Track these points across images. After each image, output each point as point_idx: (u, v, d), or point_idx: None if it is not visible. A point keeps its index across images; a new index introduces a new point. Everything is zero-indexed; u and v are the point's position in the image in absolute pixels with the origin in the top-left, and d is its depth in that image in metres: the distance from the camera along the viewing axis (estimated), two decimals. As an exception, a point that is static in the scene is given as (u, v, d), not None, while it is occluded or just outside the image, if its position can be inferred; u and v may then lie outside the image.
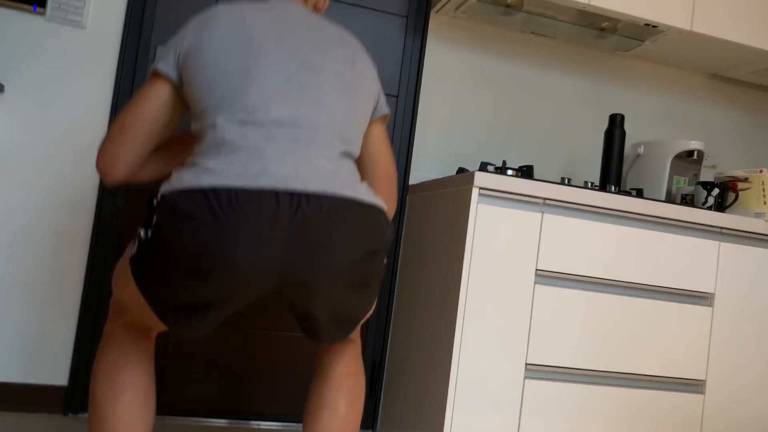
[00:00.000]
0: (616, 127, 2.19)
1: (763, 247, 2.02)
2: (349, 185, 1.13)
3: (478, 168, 2.38)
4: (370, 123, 1.36)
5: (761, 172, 2.02)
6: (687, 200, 2.20)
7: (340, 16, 2.27)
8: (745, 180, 2.06)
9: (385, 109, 1.38)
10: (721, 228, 1.98)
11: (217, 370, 2.14)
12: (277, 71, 1.14)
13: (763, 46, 2.29)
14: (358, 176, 1.20)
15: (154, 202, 1.11)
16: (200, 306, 1.09)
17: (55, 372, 2.01)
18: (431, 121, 2.37)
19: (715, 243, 1.96)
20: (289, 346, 2.21)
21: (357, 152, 1.25)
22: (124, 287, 1.21)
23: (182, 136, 1.36)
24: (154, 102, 1.20)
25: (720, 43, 2.30)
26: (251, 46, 1.15)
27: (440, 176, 2.27)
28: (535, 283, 1.83)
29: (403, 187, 2.33)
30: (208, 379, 2.13)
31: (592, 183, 2.07)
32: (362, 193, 1.15)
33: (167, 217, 1.05)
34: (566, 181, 2.02)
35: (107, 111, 2.06)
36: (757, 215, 2.06)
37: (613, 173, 2.15)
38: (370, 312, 1.34)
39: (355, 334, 1.43)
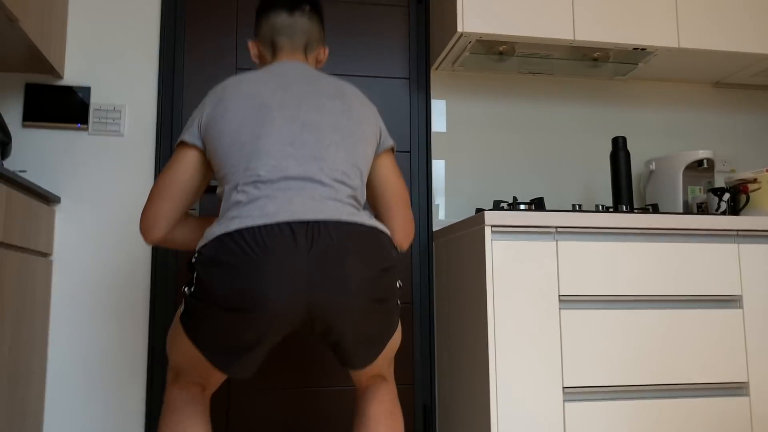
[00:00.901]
0: (619, 149, 2.28)
1: (784, 243, 2.06)
2: (352, 214, 1.30)
3: (491, 207, 2.49)
4: (377, 156, 1.51)
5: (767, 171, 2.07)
6: (702, 208, 2.25)
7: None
8: (755, 181, 2.11)
9: (388, 142, 1.53)
10: (738, 231, 2.03)
11: (276, 429, 2.27)
12: (283, 135, 1.33)
13: (752, 49, 2.37)
14: (362, 212, 1.36)
15: (193, 260, 1.30)
16: (244, 345, 1.25)
17: (131, 450, 2.18)
18: (447, 168, 2.52)
19: (734, 246, 2.01)
20: (341, 398, 2.33)
21: (362, 197, 1.41)
22: (178, 346, 1.36)
23: (209, 217, 1.55)
24: (185, 166, 1.40)
25: (711, 53, 2.39)
26: (259, 114, 1.34)
27: (462, 218, 2.39)
28: (560, 308, 1.91)
29: (428, 235, 2.46)
30: (275, 419, 2.27)
31: (603, 206, 2.16)
32: (365, 219, 1.32)
33: (204, 266, 1.23)
34: (577, 208, 2.11)
35: (150, 205, 2.28)
36: (774, 213, 2.10)
37: (623, 193, 2.23)
38: (395, 338, 1.45)
39: (388, 373, 1.53)
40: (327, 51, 1.64)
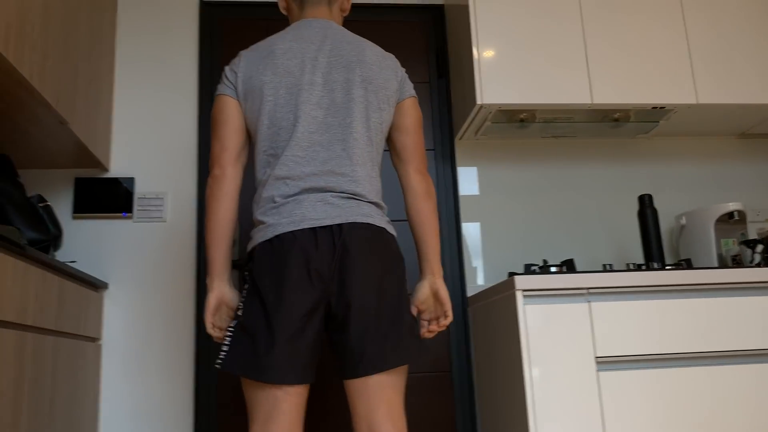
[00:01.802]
0: (646, 206, 2.30)
1: (824, 292, 2.02)
2: (366, 215, 1.46)
3: (522, 270, 2.51)
4: (398, 104, 1.61)
5: (798, 220, 2.06)
6: (737, 260, 2.24)
7: (376, 162, 2.56)
8: (787, 230, 2.10)
9: (409, 92, 1.63)
10: (774, 282, 2.01)
11: None
12: (310, 122, 1.48)
13: (772, 101, 2.39)
14: (376, 210, 1.49)
15: (245, 272, 1.49)
16: (284, 324, 1.36)
17: None
18: (483, 230, 2.56)
19: (772, 298, 1.99)
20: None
21: (377, 170, 1.56)
22: (245, 381, 1.42)
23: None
24: (227, 111, 1.54)
25: (730, 107, 2.42)
26: (291, 97, 1.50)
27: (499, 281, 2.42)
28: (597, 371, 1.90)
29: (462, 301, 2.49)
30: None
31: (635, 264, 2.16)
32: (375, 220, 1.47)
33: (255, 263, 1.44)
34: (608, 267, 2.13)
35: (193, 286, 2.38)
36: (811, 262, 2.08)
37: (654, 250, 2.23)
38: (405, 369, 1.46)
39: (400, 419, 1.44)
40: (350, 0, 1.74)
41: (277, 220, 1.44)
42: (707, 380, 1.92)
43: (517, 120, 2.45)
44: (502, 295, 2.05)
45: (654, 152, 2.74)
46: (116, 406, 2.26)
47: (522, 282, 1.92)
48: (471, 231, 2.57)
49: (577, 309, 1.93)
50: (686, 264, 2.20)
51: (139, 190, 2.43)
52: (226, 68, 1.58)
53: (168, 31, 2.59)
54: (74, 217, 2.38)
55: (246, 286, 1.46)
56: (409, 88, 1.64)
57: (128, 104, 2.51)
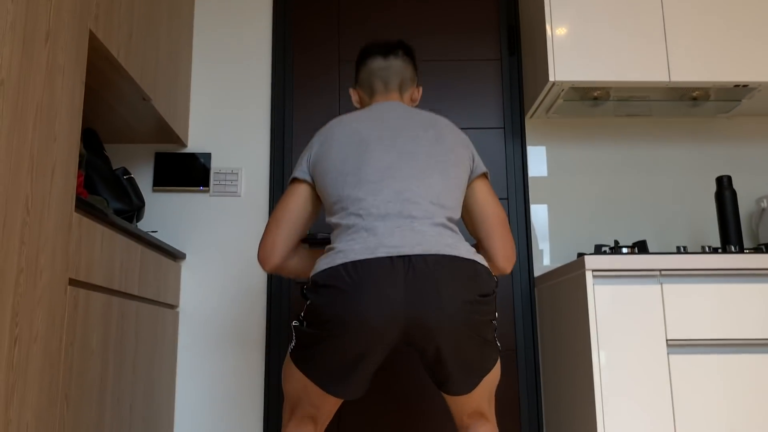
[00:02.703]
0: (724, 188, 2.22)
1: None
2: (450, 245, 1.37)
3: (592, 251, 2.47)
4: (471, 182, 1.59)
5: None
6: (822, 246, 2.14)
7: (445, 140, 2.57)
8: None
9: (481, 168, 1.60)
10: None
11: (386, 477, 2.33)
12: (381, 162, 1.46)
13: None
14: (459, 237, 1.44)
15: (305, 287, 1.43)
16: (349, 362, 1.34)
17: (250, 492, 2.30)
18: (550, 213, 2.54)
19: None
20: (445, 417, 2.36)
21: (457, 216, 1.49)
22: (291, 378, 1.46)
23: (318, 250, 1.68)
24: (297, 199, 1.56)
25: (821, 85, 2.30)
26: (359, 147, 1.49)
27: (565, 263, 2.40)
28: (668, 353, 1.87)
29: (529, 281, 2.48)
30: (380, 486, 2.32)
31: (710, 247, 2.10)
32: (462, 251, 1.38)
33: (316, 292, 1.37)
34: (681, 250, 2.07)
35: (264, 259, 2.46)
36: None
37: (731, 233, 2.16)
38: (495, 373, 1.48)
39: (489, 411, 1.54)
40: (420, 90, 1.77)
41: (350, 247, 1.38)
42: (785, 368, 1.86)
43: (591, 98, 2.41)
44: (571, 275, 2.04)
45: (734, 132, 2.63)
46: (192, 370, 2.37)
47: (592, 262, 1.90)
48: (538, 213, 2.55)
49: (648, 291, 1.90)
50: (765, 248, 2.12)
51: (215, 165, 2.52)
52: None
53: (243, 7, 2.65)
54: (154, 190, 2.49)
55: (308, 304, 1.42)
56: (480, 165, 1.61)
57: (204, 81, 2.59)
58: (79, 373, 1.53)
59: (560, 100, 2.41)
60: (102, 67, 1.87)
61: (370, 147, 1.48)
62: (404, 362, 2.42)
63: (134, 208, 2.12)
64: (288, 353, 1.49)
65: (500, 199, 2.55)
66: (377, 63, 1.69)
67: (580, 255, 1.97)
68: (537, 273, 2.50)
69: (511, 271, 2.49)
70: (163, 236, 2.46)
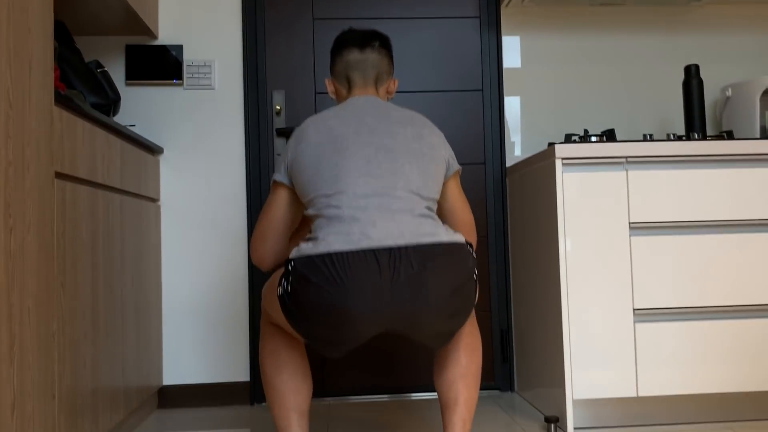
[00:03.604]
0: (692, 77, 2.28)
1: None
2: (431, 233, 1.42)
3: (563, 141, 2.55)
4: (446, 181, 1.63)
5: None
6: (779, 133, 2.24)
7: (418, 31, 2.55)
8: (835, 102, 2.08)
9: (455, 167, 1.64)
10: (815, 153, 2.02)
11: (371, 354, 2.49)
12: (359, 157, 1.47)
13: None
14: (438, 223, 1.48)
15: (289, 266, 1.44)
16: (334, 342, 1.44)
17: (239, 371, 2.46)
18: (522, 104, 2.59)
19: (811, 169, 2.01)
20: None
21: (435, 206, 1.54)
22: (273, 308, 1.54)
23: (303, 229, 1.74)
24: (280, 205, 1.59)
25: (792, -28, 2.32)
26: (336, 145, 1.49)
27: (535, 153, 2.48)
28: (630, 235, 1.99)
29: (501, 171, 2.56)
30: (365, 363, 2.49)
31: (675, 134, 2.19)
32: (443, 236, 1.43)
33: (298, 280, 1.38)
34: (648, 137, 2.16)
35: (242, 151, 2.49)
36: None
37: (696, 121, 2.24)
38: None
39: (471, 320, 1.67)
40: (396, 82, 1.76)
41: (332, 237, 1.38)
42: (740, 247, 2.00)
43: (566, -14, 2.39)
44: (541, 163, 2.12)
45: (704, 22, 2.66)
46: (176, 261, 2.46)
47: (562, 150, 1.98)
48: (511, 105, 2.59)
49: (614, 177, 1.99)
50: (727, 135, 2.21)
51: (188, 57, 2.49)
52: None
53: None
54: (127, 84, 2.46)
55: (288, 284, 1.43)
56: (454, 164, 1.63)
57: (172, -31, 2.51)
58: (72, 263, 1.59)
59: (536, -12, 2.39)
60: (67, -46, 1.80)
61: (346, 143, 1.49)
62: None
63: (110, 101, 2.11)
64: (277, 295, 1.50)
65: (474, 91, 2.57)
66: (353, 56, 1.67)
67: (551, 144, 2.04)
68: (509, 163, 2.58)
69: (484, 160, 2.57)
70: (139, 130, 2.46)
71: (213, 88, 2.49)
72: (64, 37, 2.05)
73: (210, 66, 2.48)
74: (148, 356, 2.23)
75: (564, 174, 1.99)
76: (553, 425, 1.99)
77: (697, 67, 2.31)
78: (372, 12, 2.56)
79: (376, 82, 1.69)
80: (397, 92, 2.55)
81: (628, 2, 2.58)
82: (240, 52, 2.51)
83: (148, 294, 2.26)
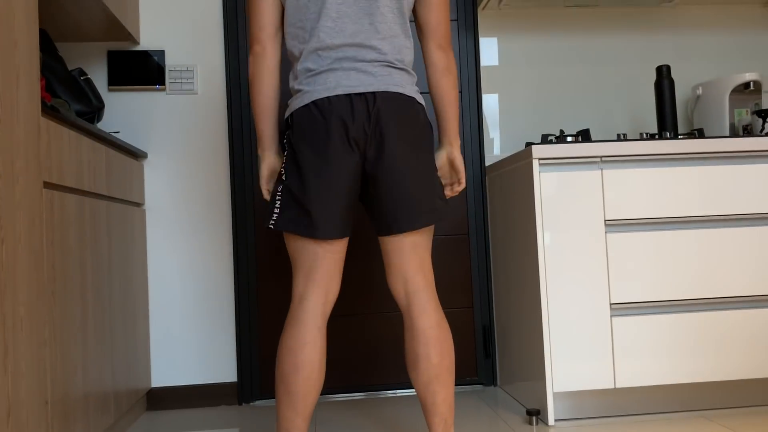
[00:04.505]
0: (663, 77, 2.35)
1: (828, 160, 2.12)
2: (398, 85, 1.55)
3: (539, 140, 2.62)
4: None
5: (811, 90, 2.11)
6: (748, 131, 2.32)
7: (399, 33, 2.60)
8: (799, 101, 2.16)
9: None
10: (781, 150, 2.10)
11: (350, 352, 2.54)
12: (337, 7, 1.54)
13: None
14: (408, 76, 1.59)
15: (288, 121, 1.60)
16: (321, 190, 1.49)
17: (226, 372, 2.49)
18: (501, 102, 2.64)
19: (777, 165, 2.09)
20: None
21: (409, 57, 1.61)
22: (288, 243, 1.59)
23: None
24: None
25: (758, -26, 2.39)
26: None
27: (515, 151, 2.53)
28: (606, 232, 2.06)
29: (481, 170, 2.62)
30: (344, 361, 2.54)
31: (648, 133, 2.25)
32: (407, 90, 1.57)
33: (294, 128, 1.55)
34: (621, 137, 2.22)
35: (226, 154, 2.52)
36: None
37: (667, 120, 2.31)
38: (432, 229, 1.63)
39: (429, 273, 1.63)
40: None
41: (313, 88, 1.53)
42: (712, 241, 2.07)
43: (541, -11, 2.45)
44: (519, 163, 2.17)
45: (677, 21, 2.73)
46: (162, 264, 2.48)
47: (539, 151, 2.03)
48: (489, 102, 2.65)
49: (590, 176, 2.06)
50: (698, 133, 2.28)
51: (170, 62, 2.51)
52: None
53: None
54: (110, 90, 2.48)
55: (286, 152, 1.58)
56: None
57: (152, -25, 2.53)
58: (61, 271, 1.62)
59: (511, -9, 2.44)
60: (49, -35, 1.82)
61: None
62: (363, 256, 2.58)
63: (94, 109, 2.13)
64: (271, 227, 1.58)
65: (453, 91, 2.62)
66: None
67: (528, 144, 2.10)
68: (488, 162, 2.64)
69: (464, 159, 2.62)
70: (123, 136, 2.48)
71: (196, 93, 2.52)
72: (47, 45, 2.07)
73: (192, 71, 2.50)
74: (136, 359, 2.26)
75: (541, 174, 2.05)
76: (534, 418, 2.05)
77: (668, 67, 2.38)
78: (352, 15, 2.59)
79: None
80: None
81: (602, 3, 2.64)
82: (222, 57, 2.53)
83: (136, 297, 2.29)
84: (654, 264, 2.06)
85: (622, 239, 2.06)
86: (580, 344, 2.03)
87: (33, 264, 1.44)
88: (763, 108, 2.31)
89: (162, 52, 2.49)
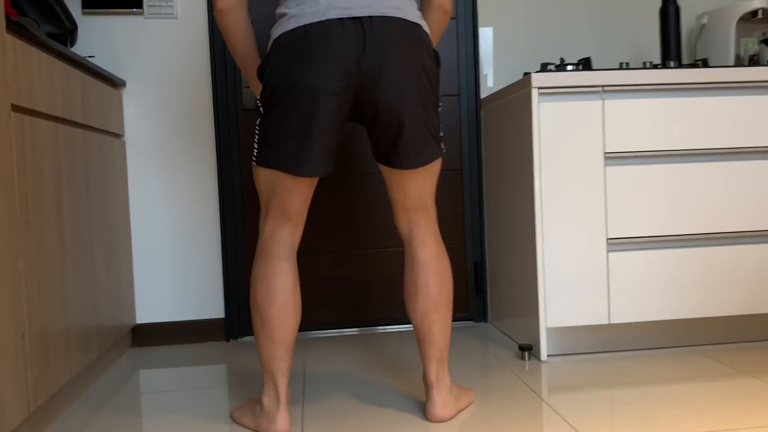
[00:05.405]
0: (669, 4, 2.24)
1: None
2: (398, 8, 1.42)
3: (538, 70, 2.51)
4: None
5: (824, 17, 2.02)
6: (754, 61, 2.23)
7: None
8: (810, 29, 2.06)
9: None
10: (788, 81, 2.02)
11: (343, 288, 2.50)
12: None
13: None
14: (409, 1, 1.46)
15: (269, 45, 1.45)
16: (305, 123, 1.40)
17: (214, 308, 2.44)
18: (495, 36, 2.52)
19: (784, 97, 2.01)
20: (401, 259, 2.52)
21: None
22: (258, 177, 1.51)
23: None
24: None
25: None
26: None
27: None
28: (605, 165, 1.99)
29: (476, 103, 2.52)
30: (337, 297, 2.49)
31: (651, 63, 2.16)
32: (409, 14, 1.44)
33: (276, 50, 1.41)
34: (624, 66, 2.13)
35: (209, 81, 2.40)
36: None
37: (672, 49, 2.21)
38: (437, 164, 1.55)
39: (432, 208, 1.60)
40: None
41: (301, 11, 1.40)
42: (715, 175, 2.01)
43: None
44: (517, 93, 2.08)
45: (683, -54, 2.60)
46: (145, 197, 2.39)
47: (538, 79, 1.94)
48: (484, 36, 2.53)
49: (590, 106, 1.97)
50: (702, 63, 2.19)
51: (147, -17, 2.36)
52: None
53: None
54: (84, 13, 2.33)
55: (265, 81, 1.44)
56: None
57: None
58: (35, 201, 1.53)
59: None
60: None
61: None
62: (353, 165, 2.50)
63: (66, 31, 1.99)
64: (253, 163, 1.51)
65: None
66: None
67: (527, 74, 2.00)
68: (483, 95, 2.54)
69: (458, 92, 2.52)
70: (99, 62, 2.35)
71: (175, 17, 2.37)
72: (12, -40, 1.92)
73: (171, -7, 2.36)
74: (119, 294, 2.19)
75: (540, 104, 1.96)
76: (527, 353, 2.02)
77: (674, -7, 2.26)
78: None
79: None
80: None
81: (606, -75, 2.50)
82: (203, -21, 2.38)
83: (117, 232, 2.21)
84: (654, 198, 2.00)
85: (621, 173, 1.99)
86: (575, 280, 1.99)
87: (2, 192, 1.35)
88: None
89: (139, -27, 2.33)
